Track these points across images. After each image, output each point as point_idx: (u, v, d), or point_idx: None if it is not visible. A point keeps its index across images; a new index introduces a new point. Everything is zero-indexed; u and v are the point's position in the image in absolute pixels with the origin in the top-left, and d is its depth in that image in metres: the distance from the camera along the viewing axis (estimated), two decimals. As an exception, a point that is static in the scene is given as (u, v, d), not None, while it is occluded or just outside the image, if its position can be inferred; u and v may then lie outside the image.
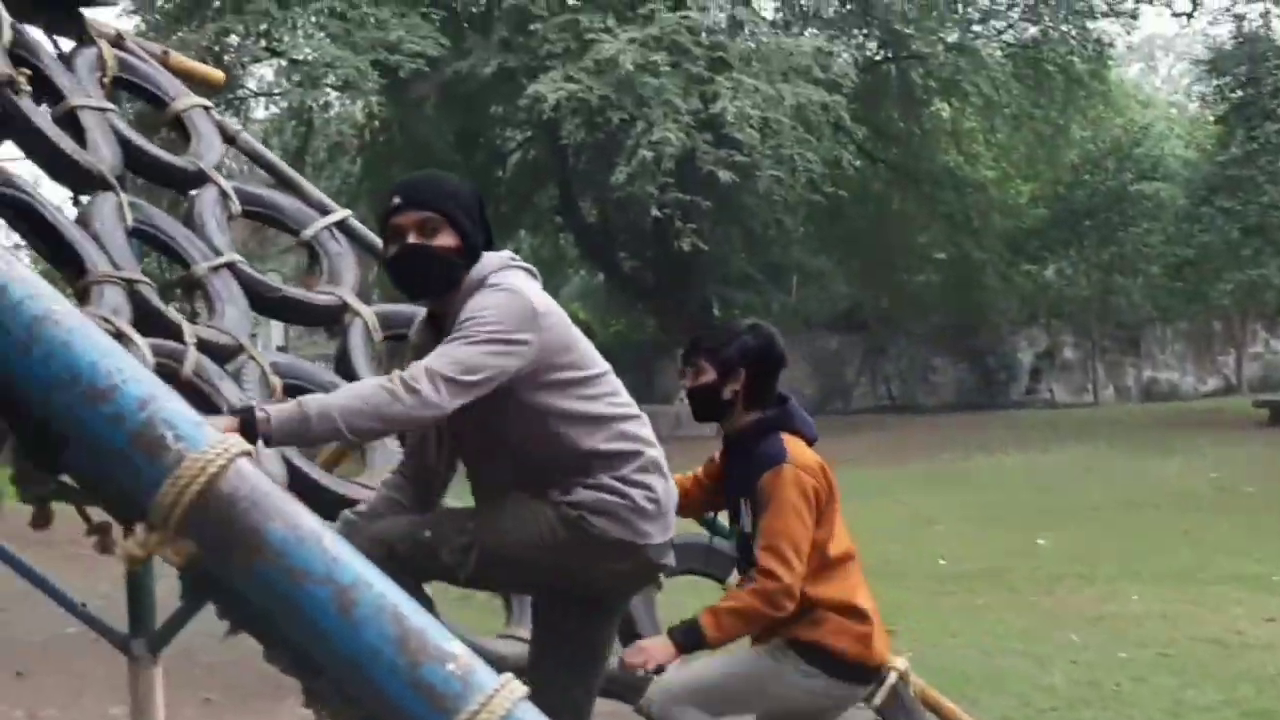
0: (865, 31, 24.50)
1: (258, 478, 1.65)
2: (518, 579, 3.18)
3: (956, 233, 25.30)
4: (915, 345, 28.43)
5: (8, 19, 3.50)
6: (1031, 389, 28.39)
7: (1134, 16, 24.71)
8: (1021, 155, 26.41)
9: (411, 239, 2.82)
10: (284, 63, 20.15)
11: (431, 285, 2.89)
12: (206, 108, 4.15)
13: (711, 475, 3.72)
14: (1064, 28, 24.14)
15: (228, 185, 3.84)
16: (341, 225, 4.13)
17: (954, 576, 9.50)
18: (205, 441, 1.64)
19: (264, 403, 2.52)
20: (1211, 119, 26.41)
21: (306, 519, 1.64)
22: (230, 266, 3.63)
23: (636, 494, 2.90)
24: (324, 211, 4.17)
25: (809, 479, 3.43)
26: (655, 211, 17.35)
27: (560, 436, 2.85)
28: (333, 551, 1.62)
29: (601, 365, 2.96)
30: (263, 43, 20.39)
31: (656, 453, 3.00)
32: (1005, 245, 26.33)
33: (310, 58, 19.00)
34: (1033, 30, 24.57)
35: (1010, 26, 25.16)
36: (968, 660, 6.81)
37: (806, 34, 21.60)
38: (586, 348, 2.95)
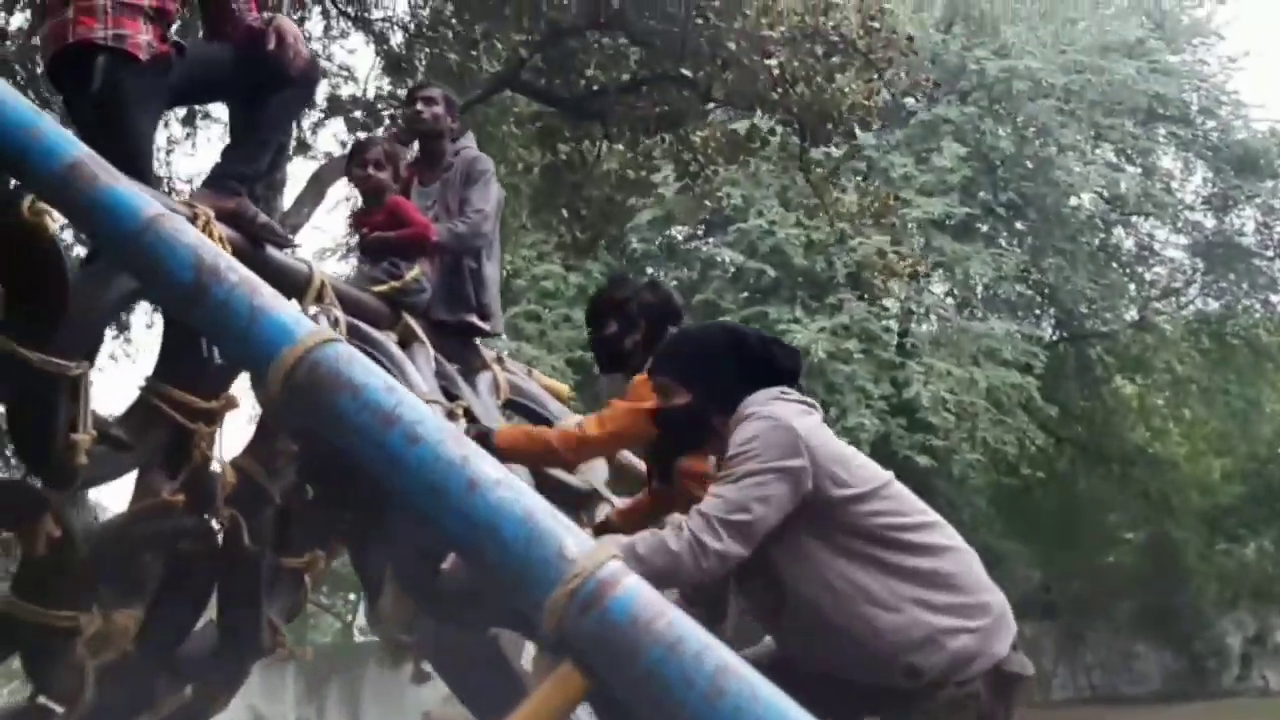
0: (1039, 312, 24.56)
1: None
2: None
3: (1153, 512, 24.43)
4: (1115, 631, 26.99)
5: (432, 352, 3.71)
6: (1243, 676, 26.53)
7: (1319, 286, 24.37)
8: (1213, 430, 25.71)
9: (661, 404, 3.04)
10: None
11: (681, 445, 3.13)
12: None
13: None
14: (1246, 301, 23.92)
15: (620, 503, 3.90)
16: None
17: None
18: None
19: None
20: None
21: None
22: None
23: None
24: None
25: None
26: (852, 498, 17.15)
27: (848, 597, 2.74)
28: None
29: (881, 475, 2.85)
30: (456, 343, 21.34)
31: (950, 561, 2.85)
32: (1202, 523, 25.29)
33: (507, 354, 19.69)
34: (1215, 305, 24.37)
35: (1190, 302, 25.00)
36: None
37: (980, 316, 21.72)
38: (863, 461, 2.88)
